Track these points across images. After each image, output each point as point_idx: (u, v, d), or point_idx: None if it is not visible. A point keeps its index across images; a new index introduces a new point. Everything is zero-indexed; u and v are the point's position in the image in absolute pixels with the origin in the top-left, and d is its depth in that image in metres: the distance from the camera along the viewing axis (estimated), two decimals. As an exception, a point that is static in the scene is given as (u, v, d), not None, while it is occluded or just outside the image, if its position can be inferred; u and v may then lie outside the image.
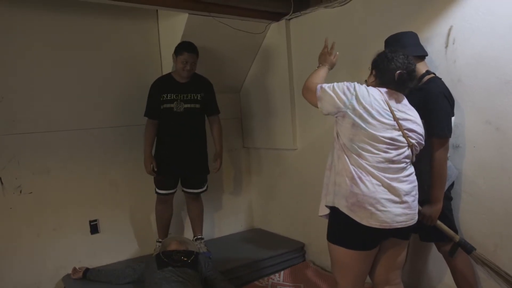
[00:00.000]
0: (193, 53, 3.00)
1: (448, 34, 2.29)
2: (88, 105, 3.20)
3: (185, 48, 2.99)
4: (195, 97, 3.09)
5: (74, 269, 2.98)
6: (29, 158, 2.98)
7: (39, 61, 3.00)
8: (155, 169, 3.09)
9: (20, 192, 2.96)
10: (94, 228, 3.25)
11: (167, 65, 3.45)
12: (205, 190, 3.28)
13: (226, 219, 3.89)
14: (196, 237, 3.27)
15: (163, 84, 3.10)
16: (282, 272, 3.17)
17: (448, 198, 2.21)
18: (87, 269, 2.93)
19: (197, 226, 3.30)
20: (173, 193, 3.24)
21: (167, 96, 3.05)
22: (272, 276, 3.12)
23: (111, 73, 3.29)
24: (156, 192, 3.21)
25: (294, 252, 3.39)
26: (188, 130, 3.11)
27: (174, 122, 3.08)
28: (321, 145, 3.20)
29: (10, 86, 2.90)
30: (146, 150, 3.11)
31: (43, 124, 3.03)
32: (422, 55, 2.22)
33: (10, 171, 2.91)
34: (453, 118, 2.15)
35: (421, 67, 2.20)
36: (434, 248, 2.40)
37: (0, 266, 2.88)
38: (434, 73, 2.21)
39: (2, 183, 2.89)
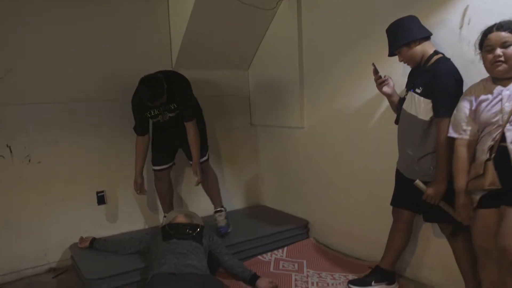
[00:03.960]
0: (157, 100, 2.87)
1: (464, 14, 2.24)
2: (96, 79, 3.21)
3: (146, 99, 2.85)
4: (173, 107, 3.03)
5: (81, 239, 3.04)
6: (37, 129, 3.01)
7: (49, 36, 3.00)
8: (142, 189, 3.16)
9: (29, 161, 2.99)
10: (101, 199, 3.30)
11: (176, 45, 3.44)
12: (207, 159, 3.26)
13: (232, 195, 3.92)
14: (215, 210, 3.27)
15: (143, 103, 2.97)
16: (285, 248, 3.21)
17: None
18: (93, 239, 2.99)
19: (214, 198, 3.29)
20: (167, 168, 3.26)
21: (151, 113, 3.04)
22: (275, 252, 3.17)
23: (120, 49, 3.29)
24: (152, 169, 3.25)
25: (298, 229, 3.42)
26: (179, 126, 3.07)
27: (164, 126, 3.12)
28: (328, 125, 3.20)
29: (19, 58, 2.90)
30: (136, 166, 3.13)
31: (51, 95, 3.05)
32: (428, 36, 2.21)
33: (19, 141, 2.95)
34: None
35: (428, 48, 2.20)
36: (437, 229, 2.42)
37: (10, 233, 2.94)
38: (442, 54, 2.19)
39: (11, 151, 2.92)
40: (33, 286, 2.86)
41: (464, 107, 1.96)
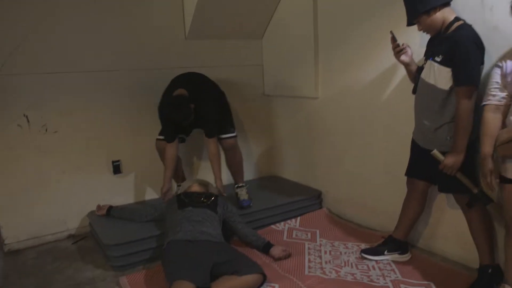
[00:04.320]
0: (184, 121, 2.90)
1: (487, -21, 2.16)
2: (111, 48, 3.19)
3: (173, 121, 2.91)
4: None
5: (98, 206, 3.10)
6: (53, 98, 3.04)
7: (64, 6, 2.97)
8: (168, 196, 3.08)
9: (46, 130, 3.03)
10: (116, 169, 3.35)
11: (189, 14, 3.37)
12: (235, 136, 3.20)
13: (245, 165, 3.89)
14: (236, 185, 3.29)
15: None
16: (298, 218, 3.25)
17: (475, 149, 2.17)
18: (110, 207, 3.05)
19: (236, 175, 3.29)
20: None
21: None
22: (288, 221, 3.20)
23: (134, 19, 3.26)
24: (157, 138, 3.19)
25: (311, 199, 3.45)
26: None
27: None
28: (343, 95, 3.16)
29: (34, 26, 2.89)
30: (165, 174, 3.09)
31: (67, 65, 3.05)
32: (448, 2, 2.13)
33: (35, 110, 2.98)
34: (482, 67, 2.08)
35: (448, 14, 2.12)
36: (452, 199, 2.41)
37: (30, 200, 3.02)
38: (463, 20, 2.12)
39: (28, 121, 2.96)
40: (54, 251, 2.95)
41: (495, 73, 1.94)
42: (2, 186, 2.93)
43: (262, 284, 2.26)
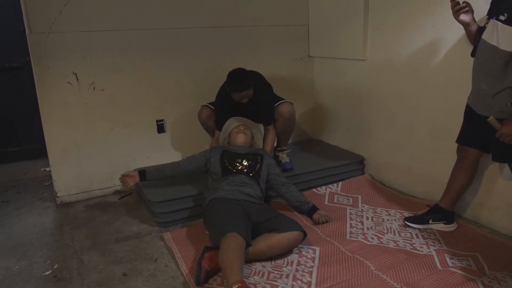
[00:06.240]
0: (245, 90, 2.85)
1: None
2: (158, 5, 3.16)
3: (233, 88, 2.86)
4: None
5: (124, 180, 2.80)
6: (101, 56, 3.07)
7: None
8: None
9: (94, 88, 3.10)
10: (160, 128, 3.40)
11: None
12: (290, 102, 3.19)
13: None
14: (278, 148, 3.29)
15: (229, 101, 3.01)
16: (340, 183, 3.21)
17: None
18: (140, 172, 2.82)
19: (282, 139, 3.27)
20: None
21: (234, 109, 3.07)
22: (330, 186, 3.18)
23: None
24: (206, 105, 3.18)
25: (354, 165, 3.39)
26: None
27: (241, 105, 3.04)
28: (393, 57, 3.01)
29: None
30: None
31: (115, 23, 3.06)
32: None
33: (84, 68, 3.03)
34: None
35: None
36: (505, 169, 2.29)
37: (80, 155, 3.15)
38: None
39: (77, 79, 3.03)
40: (102, 206, 3.09)
41: None
42: (55, 142, 3.05)
43: (302, 241, 2.27)
